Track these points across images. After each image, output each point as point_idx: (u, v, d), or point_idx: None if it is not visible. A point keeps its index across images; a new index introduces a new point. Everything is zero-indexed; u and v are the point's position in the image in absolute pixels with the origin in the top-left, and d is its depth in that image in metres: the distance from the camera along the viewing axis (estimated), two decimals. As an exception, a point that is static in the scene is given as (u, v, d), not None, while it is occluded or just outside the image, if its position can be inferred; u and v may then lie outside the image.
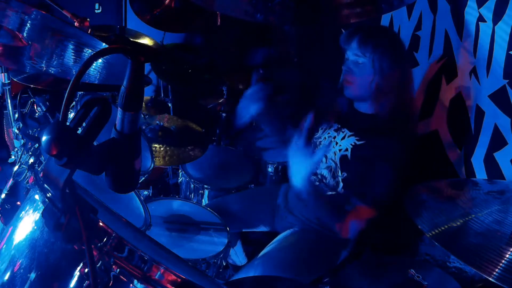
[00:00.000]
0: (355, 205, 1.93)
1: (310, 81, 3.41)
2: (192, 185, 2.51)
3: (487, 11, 1.92)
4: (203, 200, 2.49)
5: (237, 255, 2.43)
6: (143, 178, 2.17)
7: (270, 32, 3.77)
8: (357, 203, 1.92)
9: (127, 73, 0.88)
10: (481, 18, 1.96)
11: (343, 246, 2.04)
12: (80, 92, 2.29)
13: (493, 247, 1.21)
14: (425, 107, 2.37)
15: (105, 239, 0.93)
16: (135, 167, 0.94)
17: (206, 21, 3.60)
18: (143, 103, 2.26)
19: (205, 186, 2.47)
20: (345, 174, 1.97)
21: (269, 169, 2.67)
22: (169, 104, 3.42)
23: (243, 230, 2.34)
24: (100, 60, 1.56)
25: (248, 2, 1.34)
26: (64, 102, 0.83)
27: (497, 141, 1.88)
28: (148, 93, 3.72)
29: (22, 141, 1.65)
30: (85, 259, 0.92)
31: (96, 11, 3.62)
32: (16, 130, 1.69)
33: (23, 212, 1.07)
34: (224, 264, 2.01)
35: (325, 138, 2.08)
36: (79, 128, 0.86)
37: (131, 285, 0.94)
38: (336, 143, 2.02)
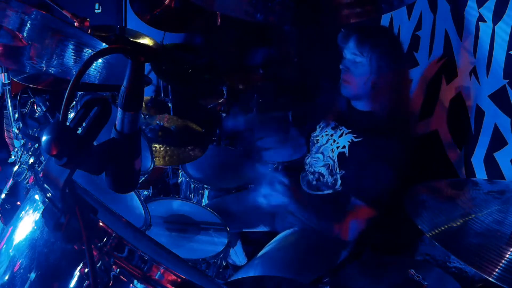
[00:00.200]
0: (354, 204, 1.93)
1: (310, 81, 3.41)
2: (192, 185, 2.51)
3: (487, 11, 1.92)
4: (203, 200, 2.49)
5: (237, 255, 2.43)
6: (143, 178, 2.17)
7: (270, 32, 3.77)
8: (356, 202, 1.93)
9: (127, 73, 0.88)
10: (481, 18, 1.96)
11: (343, 246, 2.04)
12: (80, 92, 2.29)
13: (493, 247, 1.21)
14: (425, 107, 2.37)
15: (105, 239, 0.93)
16: (135, 167, 0.94)
17: (206, 21, 3.60)
18: (143, 103, 2.26)
19: (205, 186, 2.47)
20: (343, 172, 1.97)
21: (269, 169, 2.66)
22: (169, 104, 3.42)
23: (243, 230, 2.34)
24: (100, 60, 1.56)
25: (248, 2, 1.34)
26: (64, 102, 0.83)
27: (497, 141, 1.88)
28: (148, 93, 3.72)
29: (22, 141, 1.65)
30: (85, 259, 0.92)
31: (96, 11, 3.62)
32: (16, 130, 1.69)
33: (23, 212, 1.07)
34: (224, 264, 2.01)
35: (322, 136, 2.09)
36: (79, 128, 0.86)
37: (131, 285, 0.94)
38: (334, 141, 2.02)
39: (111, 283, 0.93)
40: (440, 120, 2.25)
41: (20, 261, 0.99)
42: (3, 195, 1.58)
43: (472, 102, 2.05)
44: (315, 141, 2.13)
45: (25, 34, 1.58)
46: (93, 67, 1.59)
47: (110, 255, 0.93)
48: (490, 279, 1.13)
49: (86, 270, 0.92)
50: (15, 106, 1.92)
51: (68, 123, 0.84)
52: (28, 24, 1.54)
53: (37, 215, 1.01)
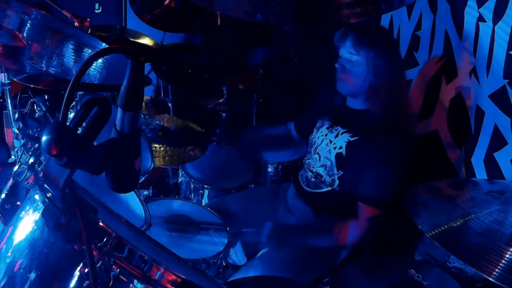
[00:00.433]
0: (352, 205, 1.94)
1: (310, 81, 3.41)
2: (192, 185, 2.51)
3: (487, 11, 1.92)
4: (203, 200, 2.49)
5: (237, 255, 2.43)
6: (143, 178, 2.17)
7: (270, 32, 3.77)
8: (355, 202, 1.93)
9: (127, 73, 0.88)
10: (481, 18, 1.96)
11: (343, 246, 2.04)
12: (80, 92, 2.29)
13: (493, 247, 1.21)
14: (425, 107, 2.36)
15: (105, 239, 0.93)
16: (135, 167, 0.94)
17: (206, 21, 3.60)
18: (143, 103, 2.26)
19: (205, 186, 2.47)
20: (341, 173, 1.97)
21: (269, 169, 2.66)
22: (169, 104, 3.42)
23: (243, 230, 2.34)
24: (100, 60, 1.56)
25: (248, 2, 1.34)
26: (64, 102, 0.83)
27: (497, 141, 1.88)
28: (148, 93, 3.71)
29: (22, 141, 1.65)
30: (85, 259, 0.92)
31: (96, 11, 3.62)
32: (16, 130, 1.69)
33: (23, 212, 1.07)
34: (224, 264, 2.01)
35: (318, 137, 2.09)
36: (79, 128, 0.86)
37: (131, 285, 0.94)
38: (330, 141, 2.02)
39: (111, 283, 0.93)
40: (440, 120, 2.25)
41: (20, 261, 0.99)
42: (3, 195, 1.58)
43: (472, 102, 2.05)
44: (312, 143, 2.13)
45: (25, 34, 1.58)
46: (93, 67, 1.59)
47: (110, 255, 0.93)
48: (490, 279, 1.13)
49: (86, 270, 0.92)
50: (15, 106, 1.92)
51: (68, 123, 0.84)
52: (28, 24, 1.54)
53: (37, 215, 1.01)
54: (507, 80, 1.83)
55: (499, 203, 1.38)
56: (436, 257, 1.93)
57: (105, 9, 3.66)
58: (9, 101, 1.99)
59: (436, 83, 2.28)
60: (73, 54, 1.61)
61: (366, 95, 1.95)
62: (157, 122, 2.71)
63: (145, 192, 2.47)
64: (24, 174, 1.54)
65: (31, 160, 1.51)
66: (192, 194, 2.53)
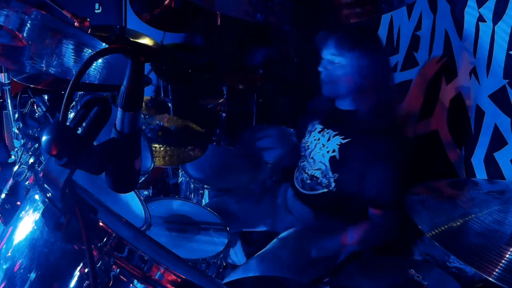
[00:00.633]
0: (351, 206, 1.94)
1: (310, 81, 3.40)
2: (192, 185, 2.51)
3: (487, 11, 1.92)
4: (203, 200, 2.49)
5: (237, 255, 2.43)
6: (143, 178, 2.17)
7: (270, 32, 3.77)
8: (354, 203, 1.93)
9: (127, 73, 0.88)
10: (481, 18, 1.96)
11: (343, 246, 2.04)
12: (80, 92, 2.29)
13: (493, 247, 1.21)
14: (425, 107, 2.37)
15: (105, 239, 0.93)
16: (135, 167, 0.94)
17: (206, 21, 3.60)
18: (143, 103, 2.26)
19: (205, 186, 2.47)
20: (337, 175, 1.97)
21: (269, 169, 2.66)
22: (169, 104, 3.42)
23: (243, 230, 2.34)
24: (100, 60, 1.56)
25: (248, 2, 1.34)
26: (64, 102, 0.83)
27: (497, 141, 1.88)
28: (148, 93, 3.71)
29: (22, 141, 1.65)
30: (85, 259, 0.92)
31: (96, 11, 3.62)
32: (16, 130, 1.69)
33: (23, 212, 1.07)
34: (224, 264, 2.01)
35: (311, 142, 2.09)
36: (79, 128, 0.86)
37: (131, 285, 0.94)
38: (323, 145, 2.02)
39: (111, 283, 0.93)
40: (440, 120, 2.25)
41: (20, 261, 0.99)
42: (3, 195, 1.58)
43: (472, 102, 2.05)
44: (306, 147, 2.12)
45: (25, 34, 1.58)
46: (93, 67, 1.59)
47: (110, 255, 0.93)
48: (490, 279, 1.13)
49: (86, 270, 0.92)
50: (15, 106, 1.92)
51: (68, 123, 0.84)
52: (28, 24, 1.53)
53: (37, 215, 1.01)
54: (507, 80, 1.83)
55: (499, 203, 1.38)
56: (436, 257, 1.93)
57: (105, 9, 3.65)
58: (9, 101, 1.99)
59: (436, 83, 2.28)
60: (73, 54, 1.61)
61: (352, 96, 1.94)
62: (157, 122, 2.70)
63: (145, 192, 2.47)
64: (24, 174, 1.54)
65: (31, 160, 1.51)
66: (192, 194, 2.53)
